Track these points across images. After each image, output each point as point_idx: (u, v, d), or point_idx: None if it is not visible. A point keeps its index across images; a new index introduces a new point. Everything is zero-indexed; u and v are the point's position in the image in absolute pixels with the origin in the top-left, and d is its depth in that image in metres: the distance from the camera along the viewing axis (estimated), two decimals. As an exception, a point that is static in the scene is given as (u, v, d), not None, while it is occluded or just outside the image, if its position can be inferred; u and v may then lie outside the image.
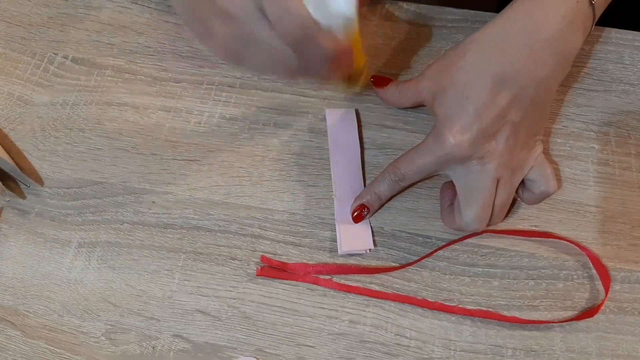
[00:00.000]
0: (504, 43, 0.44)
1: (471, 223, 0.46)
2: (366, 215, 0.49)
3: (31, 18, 0.61)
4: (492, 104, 0.44)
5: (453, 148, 0.44)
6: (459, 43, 0.47)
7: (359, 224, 0.49)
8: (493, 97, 0.44)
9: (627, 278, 0.47)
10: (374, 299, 0.47)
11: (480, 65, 0.44)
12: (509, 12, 0.45)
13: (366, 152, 0.52)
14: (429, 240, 0.49)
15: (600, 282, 0.47)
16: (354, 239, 0.49)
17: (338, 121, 0.53)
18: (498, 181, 0.45)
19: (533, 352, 0.45)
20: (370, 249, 0.49)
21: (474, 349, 0.45)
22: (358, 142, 0.52)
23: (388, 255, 0.49)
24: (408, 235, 0.49)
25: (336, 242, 0.49)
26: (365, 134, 0.53)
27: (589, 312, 0.46)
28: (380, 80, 0.53)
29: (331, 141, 0.52)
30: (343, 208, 0.50)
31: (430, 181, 0.51)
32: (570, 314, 0.46)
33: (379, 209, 0.50)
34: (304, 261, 0.48)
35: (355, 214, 0.49)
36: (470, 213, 0.45)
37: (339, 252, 0.49)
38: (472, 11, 0.58)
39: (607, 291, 0.46)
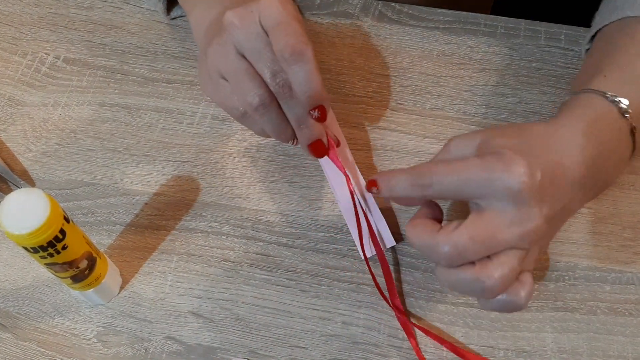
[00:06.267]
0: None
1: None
2: (376, 193, 0.40)
3: (22, 18, 0.60)
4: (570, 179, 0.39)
5: (521, 177, 0.35)
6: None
7: (375, 223, 0.47)
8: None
9: (618, 279, 0.47)
10: (365, 302, 0.47)
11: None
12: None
13: (359, 153, 0.52)
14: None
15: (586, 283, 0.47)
16: (374, 241, 0.48)
17: None
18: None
19: (525, 353, 0.45)
20: (391, 247, 0.48)
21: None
22: (342, 135, 0.51)
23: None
24: (402, 236, 0.49)
25: (331, 243, 0.49)
26: (357, 135, 0.53)
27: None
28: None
29: None
30: (351, 213, 0.48)
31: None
32: (561, 314, 0.46)
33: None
34: (297, 262, 0.49)
35: (371, 188, 0.40)
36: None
37: (363, 257, 0.48)
38: (464, 12, 0.59)
39: None
